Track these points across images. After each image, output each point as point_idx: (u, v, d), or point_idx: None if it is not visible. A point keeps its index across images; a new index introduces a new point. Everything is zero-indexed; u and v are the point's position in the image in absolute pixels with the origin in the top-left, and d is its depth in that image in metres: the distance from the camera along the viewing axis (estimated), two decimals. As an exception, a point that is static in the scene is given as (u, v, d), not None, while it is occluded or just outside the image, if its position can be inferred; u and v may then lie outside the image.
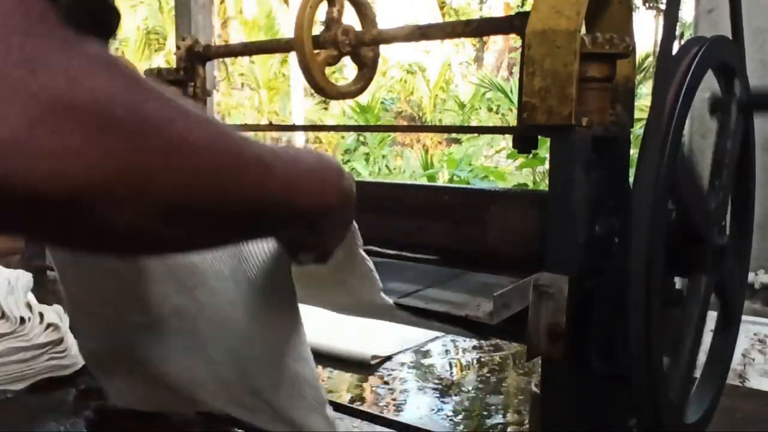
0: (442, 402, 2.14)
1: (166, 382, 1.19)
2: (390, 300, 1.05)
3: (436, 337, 2.65)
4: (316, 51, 1.45)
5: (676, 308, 1.15)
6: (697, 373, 1.30)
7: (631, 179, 1.11)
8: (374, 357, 2.48)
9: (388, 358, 2.48)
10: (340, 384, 2.39)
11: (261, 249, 0.93)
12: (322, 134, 14.58)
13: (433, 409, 2.08)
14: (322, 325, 2.74)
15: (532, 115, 1.08)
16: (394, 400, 2.23)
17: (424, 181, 9.50)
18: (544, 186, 5.27)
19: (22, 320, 2.26)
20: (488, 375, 2.33)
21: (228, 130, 0.55)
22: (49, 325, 2.31)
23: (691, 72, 1.03)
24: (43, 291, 2.90)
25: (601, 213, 1.14)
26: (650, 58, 12.00)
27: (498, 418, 2.00)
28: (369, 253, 1.06)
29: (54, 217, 0.45)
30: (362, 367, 2.43)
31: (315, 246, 0.89)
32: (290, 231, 0.79)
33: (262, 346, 1.01)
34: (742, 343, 3.46)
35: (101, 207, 0.46)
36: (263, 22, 14.69)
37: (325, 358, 2.54)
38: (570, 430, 1.15)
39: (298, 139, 11.85)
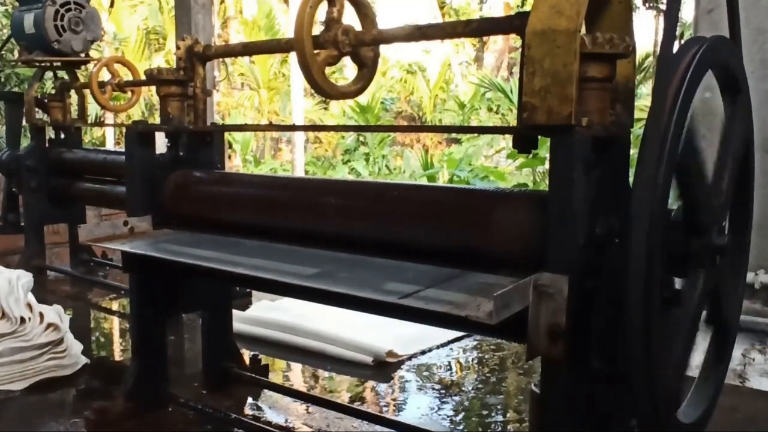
0: (442, 402, 2.14)
1: None
2: None
3: (456, 339, 2.61)
4: (316, 51, 1.45)
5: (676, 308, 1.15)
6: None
7: (631, 179, 1.11)
8: (390, 354, 2.46)
9: (409, 358, 2.46)
10: (341, 384, 2.39)
11: None
12: (322, 134, 14.57)
13: (433, 409, 2.08)
14: (341, 318, 2.73)
15: (532, 115, 1.08)
16: (394, 400, 2.23)
17: (424, 182, 9.50)
18: (544, 186, 5.26)
19: (22, 320, 2.26)
20: (488, 375, 2.33)
21: None
22: (49, 325, 2.31)
23: (690, 72, 1.03)
24: (43, 291, 2.89)
25: (601, 213, 1.14)
26: (650, 58, 12.00)
27: (498, 418, 2.00)
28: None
29: None
30: (373, 364, 2.41)
31: None
32: None
33: None
34: (742, 343, 3.45)
35: None
36: (263, 22, 14.68)
37: (329, 358, 2.54)
38: (570, 430, 1.15)
39: (298, 138, 11.83)
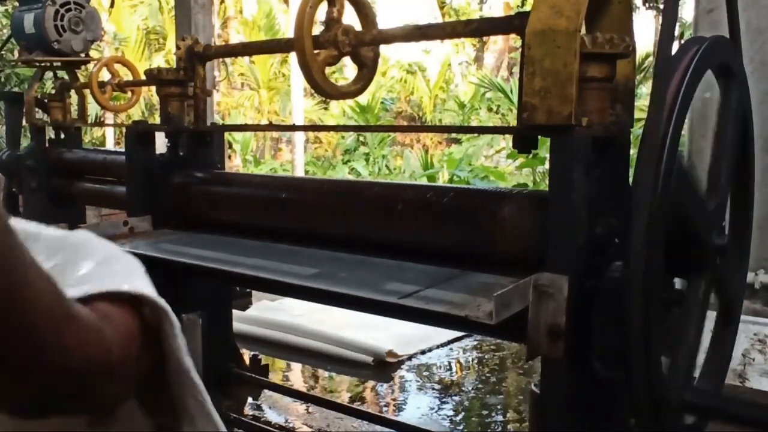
0: (442, 402, 2.14)
1: None
2: None
3: (456, 339, 2.60)
4: (316, 51, 1.44)
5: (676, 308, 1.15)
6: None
7: (631, 179, 1.11)
8: (390, 354, 2.46)
9: (409, 358, 2.46)
10: (341, 384, 2.38)
11: None
12: (322, 134, 14.57)
13: (433, 409, 2.08)
14: (341, 318, 2.73)
15: (532, 115, 1.08)
16: (394, 400, 2.23)
17: (424, 182, 9.50)
18: (544, 186, 5.26)
19: (22, 320, 2.26)
20: (488, 375, 2.33)
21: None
22: (49, 325, 2.31)
23: (690, 72, 1.02)
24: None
25: (601, 213, 1.14)
26: (650, 58, 11.99)
27: (498, 418, 2.00)
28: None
29: None
30: (373, 364, 2.41)
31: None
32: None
33: None
34: (742, 343, 3.45)
35: None
36: (263, 22, 14.68)
37: (329, 358, 2.54)
38: (570, 430, 1.15)
39: (298, 138, 11.83)
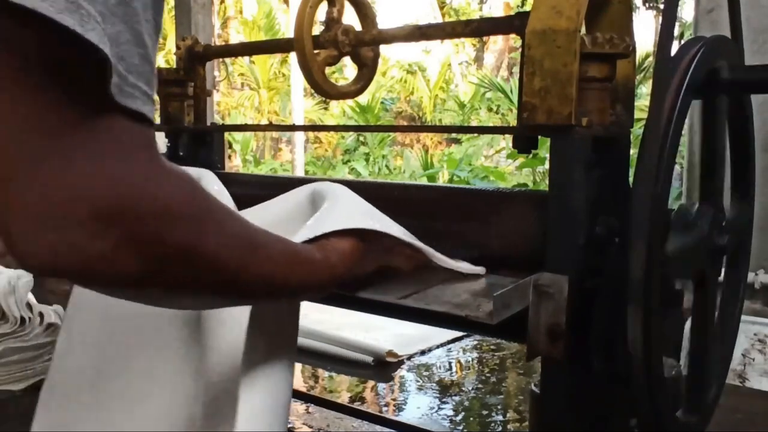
0: (442, 402, 2.14)
1: None
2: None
3: (456, 339, 2.61)
4: (316, 51, 1.45)
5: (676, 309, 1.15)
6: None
7: (631, 179, 1.11)
8: (390, 354, 2.46)
9: (408, 358, 2.46)
10: (341, 384, 2.38)
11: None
12: (322, 134, 14.59)
13: (433, 409, 2.08)
14: (341, 318, 2.73)
15: (532, 115, 1.08)
16: (394, 400, 2.23)
17: (424, 181, 9.50)
18: (544, 186, 5.26)
19: (23, 320, 2.26)
20: (488, 375, 2.33)
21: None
22: (49, 325, 2.31)
23: (690, 72, 1.02)
24: (43, 291, 2.88)
25: (601, 213, 1.14)
26: (650, 58, 12.01)
27: (498, 418, 2.00)
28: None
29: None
30: (373, 364, 2.41)
31: None
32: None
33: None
34: (742, 343, 3.46)
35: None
36: (263, 22, 14.70)
37: (329, 358, 2.54)
38: (570, 430, 1.15)
39: (298, 138, 11.84)
